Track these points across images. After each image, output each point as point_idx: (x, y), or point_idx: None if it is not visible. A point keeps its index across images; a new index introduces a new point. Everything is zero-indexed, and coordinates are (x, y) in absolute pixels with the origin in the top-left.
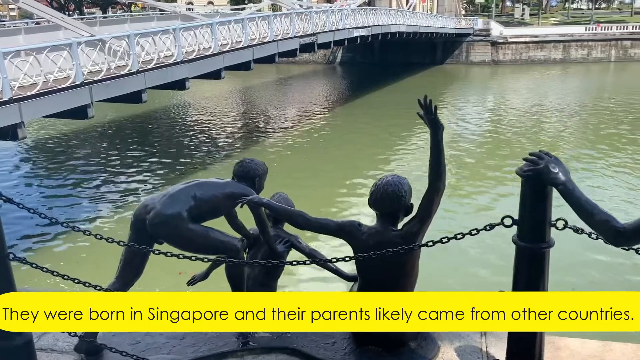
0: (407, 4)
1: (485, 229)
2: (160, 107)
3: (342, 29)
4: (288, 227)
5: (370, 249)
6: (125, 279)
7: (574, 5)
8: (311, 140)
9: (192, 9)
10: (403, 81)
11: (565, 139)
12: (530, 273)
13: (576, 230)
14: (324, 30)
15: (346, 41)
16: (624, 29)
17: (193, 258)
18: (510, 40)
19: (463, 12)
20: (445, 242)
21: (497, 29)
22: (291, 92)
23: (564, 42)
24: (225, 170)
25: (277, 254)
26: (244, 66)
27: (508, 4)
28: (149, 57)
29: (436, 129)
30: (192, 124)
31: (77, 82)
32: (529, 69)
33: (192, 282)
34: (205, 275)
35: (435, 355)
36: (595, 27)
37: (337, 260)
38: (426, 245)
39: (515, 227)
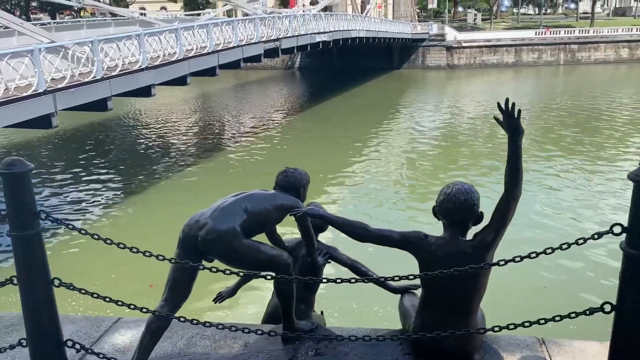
0: (363, 9)
1: (593, 237)
2: (115, 115)
3: (304, 34)
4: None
5: (439, 261)
6: (175, 300)
7: (522, 11)
8: (272, 146)
9: (145, 14)
10: (362, 86)
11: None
12: None
13: None
14: (287, 35)
15: (309, 46)
16: (571, 33)
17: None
18: (464, 44)
19: (417, 18)
20: (550, 253)
21: (451, 34)
22: (250, 98)
23: (515, 46)
24: (184, 178)
25: (317, 267)
26: (209, 72)
27: (460, 9)
28: (114, 63)
29: (517, 134)
30: (149, 131)
31: (40, 90)
32: (483, 73)
33: (219, 299)
34: (233, 292)
35: None
36: (545, 32)
37: (400, 278)
38: (528, 257)
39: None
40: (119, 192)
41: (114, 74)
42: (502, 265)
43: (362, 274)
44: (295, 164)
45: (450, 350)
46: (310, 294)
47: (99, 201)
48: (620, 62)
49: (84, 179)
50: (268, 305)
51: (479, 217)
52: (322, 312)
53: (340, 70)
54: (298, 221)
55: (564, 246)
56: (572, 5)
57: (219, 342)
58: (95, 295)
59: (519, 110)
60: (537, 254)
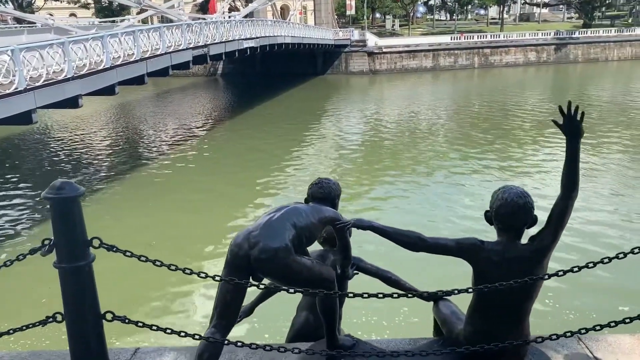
0: (282, 16)
1: None
2: (19, 130)
3: (232, 40)
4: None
5: (495, 266)
6: (226, 324)
7: (435, 17)
8: (197, 157)
9: (53, 21)
10: (287, 92)
11: (439, 144)
12: None
13: None
14: (215, 41)
15: (237, 52)
16: (483, 38)
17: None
18: (385, 50)
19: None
20: (622, 258)
21: (372, 40)
22: (173, 107)
23: (433, 51)
24: (103, 193)
25: (346, 279)
26: (138, 80)
27: (377, 15)
28: (37, 73)
29: (578, 137)
30: (65, 144)
31: None
32: (403, 77)
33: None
34: (249, 311)
35: None
36: (460, 37)
37: (445, 293)
38: (602, 262)
39: None
40: (30, 210)
41: (37, 84)
42: (591, 267)
43: (394, 283)
44: (221, 174)
45: (506, 355)
46: (340, 307)
47: (9, 219)
48: (529, 64)
49: None
50: (294, 322)
51: (534, 220)
52: None
53: (265, 76)
54: (338, 233)
55: (636, 250)
56: (482, 12)
57: None
58: (154, 328)
59: (583, 113)
60: (610, 259)
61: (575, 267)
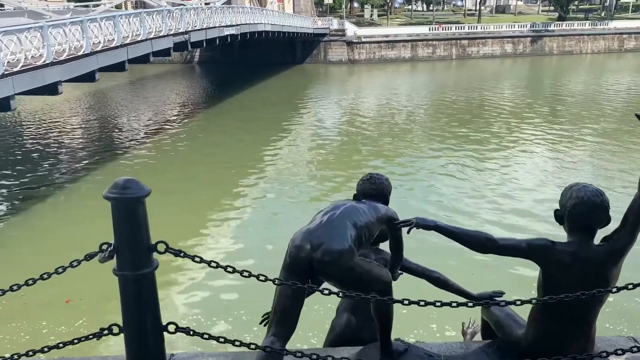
0: (259, 2)
1: None
2: None
3: (213, 28)
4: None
5: (568, 268)
6: (287, 332)
7: (413, 7)
8: (174, 148)
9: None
10: (266, 81)
11: (416, 134)
12: None
13: None
14: (196, 28)
15: (218, 40)
16: (461, 29)
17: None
18: (364, 40)
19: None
20: None
21: (351, 30)
22: (149, 95)
23: (411, 41)
24: (73, 187)
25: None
26: (118, 67)
27: (355, 5)
28: (14, 58)
29: None
30: (28, 139)
31: None
32: (382, 67)
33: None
34: None
35: None
36: (438, 28)
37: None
38: (636, 285)
39: None
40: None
41: (15, 70)
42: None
43: (442, 284)
44: (201, 164)
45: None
46: None
47: None
48: (505, 56)
49: None
50: (334, 325)
51: (609, 220)
52: None
53: (243, 64)
54: (393, 232)
55: None
56: (460, 3)
57: None
58: (221, 340)
59: None
60: None
61: (630, 284)
